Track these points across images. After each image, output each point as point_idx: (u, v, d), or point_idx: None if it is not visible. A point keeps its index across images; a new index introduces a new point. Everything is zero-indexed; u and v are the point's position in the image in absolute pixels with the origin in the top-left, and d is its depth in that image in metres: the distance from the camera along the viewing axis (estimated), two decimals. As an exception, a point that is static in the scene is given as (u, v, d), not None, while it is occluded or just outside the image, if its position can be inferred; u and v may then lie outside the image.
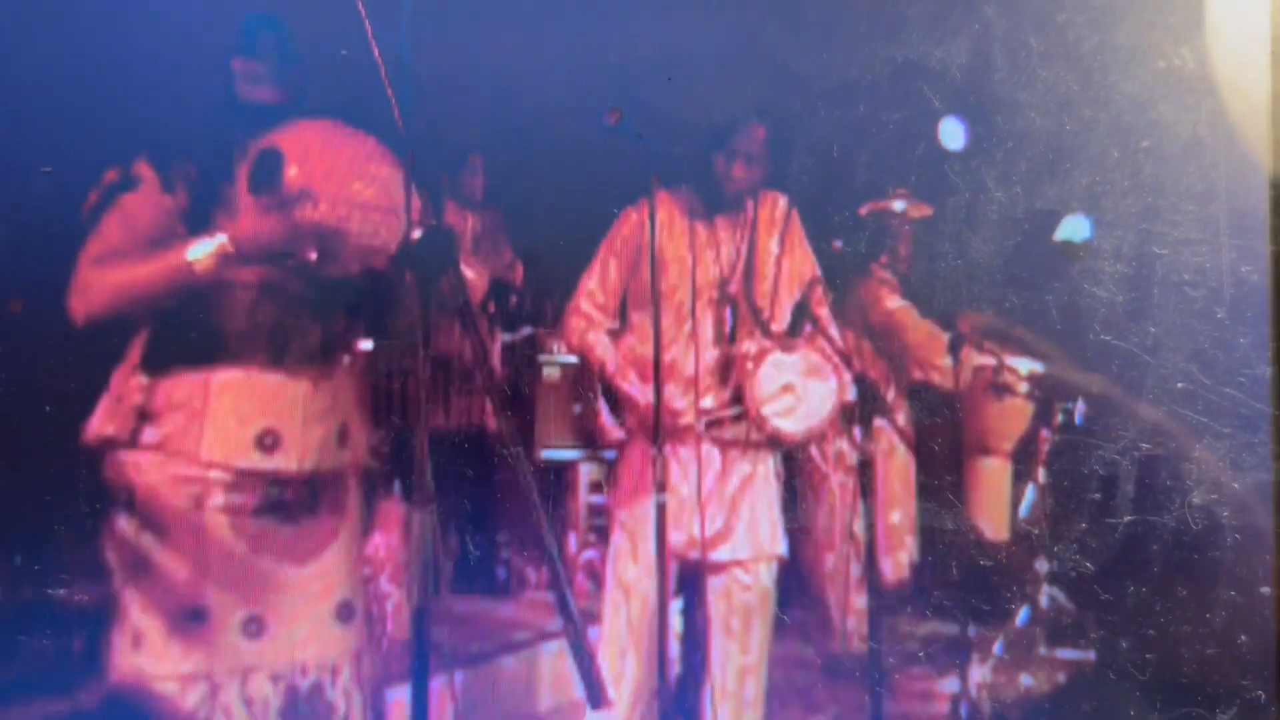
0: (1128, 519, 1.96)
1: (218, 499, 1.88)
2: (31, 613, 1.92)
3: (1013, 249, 2.00)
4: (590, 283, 2.16)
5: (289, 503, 1.92)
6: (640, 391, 2.15)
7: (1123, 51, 1.99)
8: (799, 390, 2.14)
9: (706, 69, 1.99)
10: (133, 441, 1.88)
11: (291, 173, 1.88)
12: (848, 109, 1.98)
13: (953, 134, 2.01)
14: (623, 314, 2.20)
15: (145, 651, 1.85)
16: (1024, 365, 2.12)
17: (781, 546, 2.17)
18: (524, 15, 1.96)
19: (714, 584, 2.19)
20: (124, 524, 1.88)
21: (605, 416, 2.18)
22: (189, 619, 1.86)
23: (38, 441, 1.90)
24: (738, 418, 2.16)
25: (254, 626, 1.89)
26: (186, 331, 1.89)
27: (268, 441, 1.91)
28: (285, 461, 1.91)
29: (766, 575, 2.18)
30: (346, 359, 1.98)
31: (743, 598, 2.17)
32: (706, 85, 1.99)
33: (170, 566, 1.88)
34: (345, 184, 1.89)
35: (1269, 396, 1.94)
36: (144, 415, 1.88)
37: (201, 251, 1.85)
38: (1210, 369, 1.95)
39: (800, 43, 1.97)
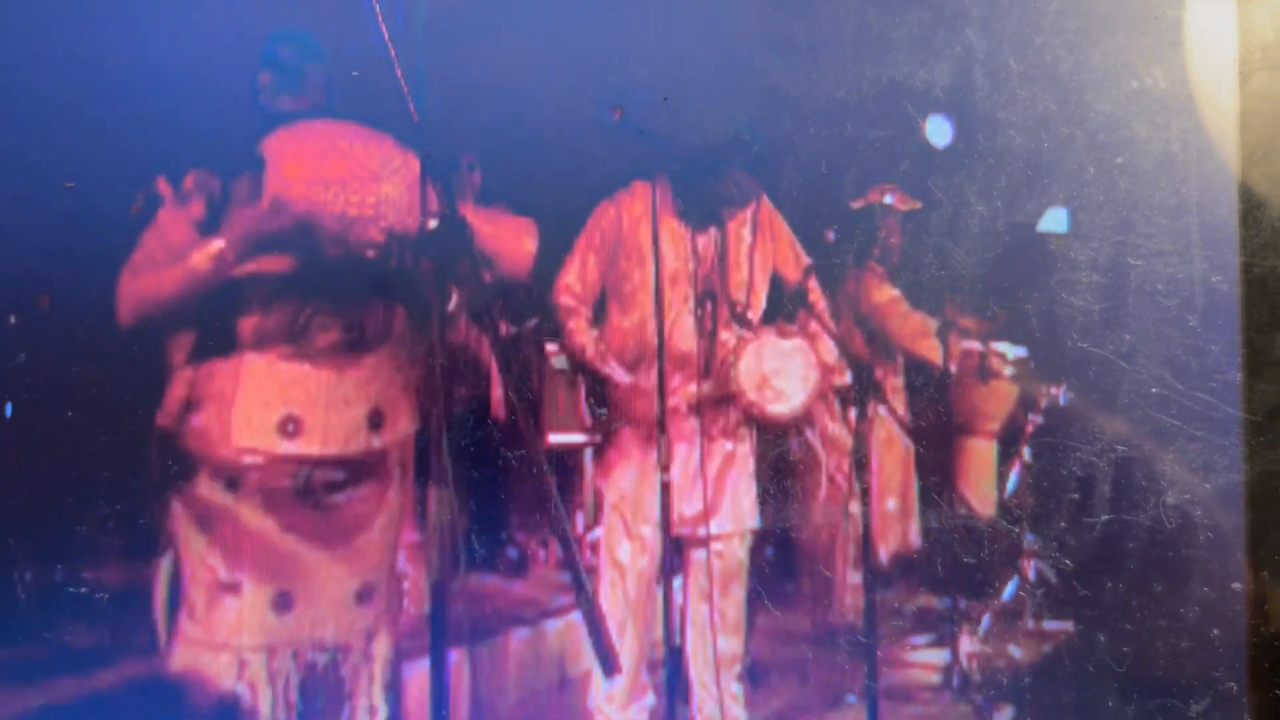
0: (1105, 518, 2.05)
1: (252, 480, 2.03)
2: (73, 582, 2.02)
3: (993, 260, 2.08)
4: (568, 277, 2.24)
5: (318, 487, 2.05)
6: (620, 374, 2.24)
7: (1098, 72, 2.08)
8: (780, 376, 2.23)
9: (701, 89, 2.08)
10: (180, 429, 2.03)
11: (271, 177, 2.02)
12: (836, 127, 2.07)
13: (940, 130, 2.09)
14: (602, 307, 2.28)
15: (193, 621, 2.02)
16: (1009, 350, 2.19)
17: (756, 520, 2.25)
18: (527, 37, 2.05)
19: (698, 557, 2.27)
20: (175, 504, 2.04)
21: (583, 403, 2.27)
22: (225, 592, 2.02)
23: (99, 432, 2.02)
24: (721, 403, 2.25)
25: (282, 602, 2.02)
26: (217, 325, 2.05)
27: (289, 428, 2.03)
28: (307, 446, 2.04)
29: (741, 547, 2.27)
30: (375, 346, 2.08)
31: (721, 568, 2.26)
32: (701, 105, 2.08)
33: (211, 543, 2.02)
34: (320, 177, 2.02)
35: (1239, 401, 2.02)
36: (189, 405, 2.04)
37: (202, 260, 2.01)
38: (1183, 375, 2.04)
39: (790, 65, 2.06)
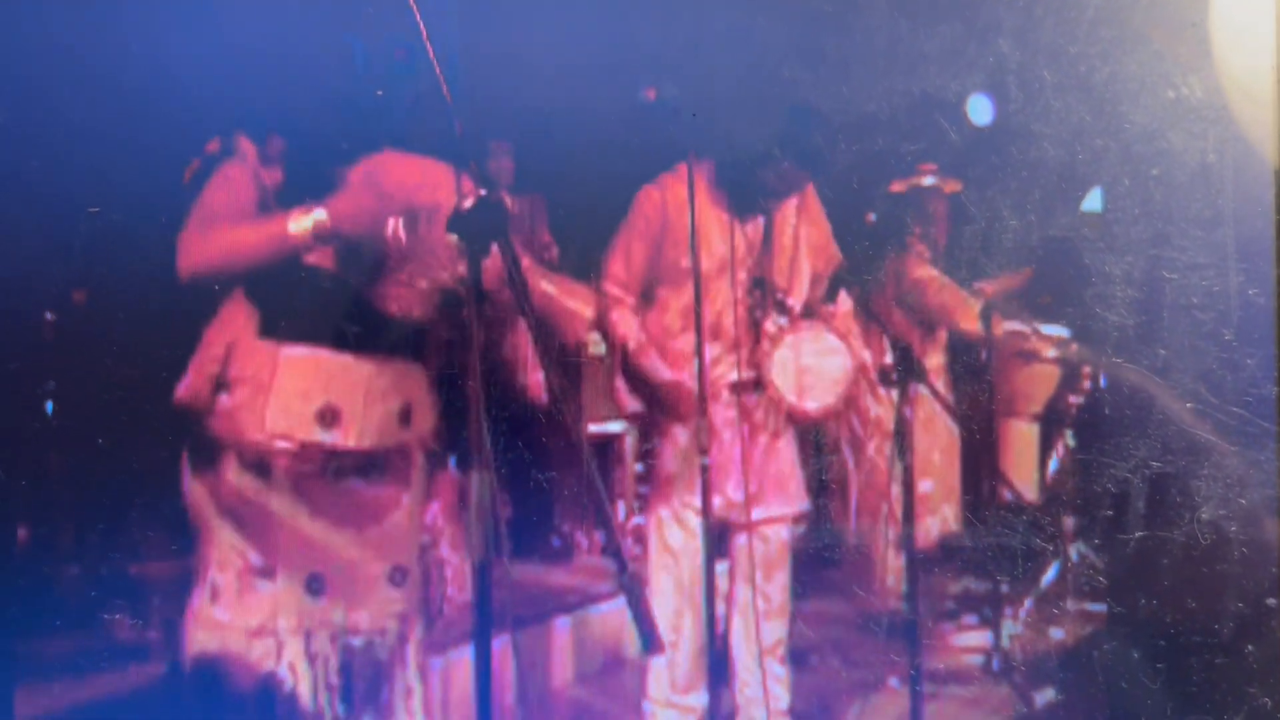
0: (1139, 535, 2.04)
1: (281, 465, 2.02)
2: (115, 572, 2.05)
3: (1027, 275, 2.07)
4: (614, 265, 2.23)
5: (347, 473, 2.05)
6: (660, 368, 2.23)
7: (1133, 82, 2.05)
8: (815, 370, 2.22)
9: (731, 105, 2.05)
10: (210, 408, 2.02)
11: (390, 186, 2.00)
12: (867, 142, 2.05)
13: (981, 109, 2.06)
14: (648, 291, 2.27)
15: (220, 606, 2.01)
16: (1052, 331, 2.18)
17: (803, 504, 2.26)
18: (558, 56, 2.02)
19: (743, 542, 2.28)
20: (201, 484, 2.04)
21: (623, 393, 2.27)
22: (258, 575, 2.02)
23: (128, 406, 2.03)
24: (759, 391, 2.24)
25: (316, 585, 2.03)
26: (263, 310, 2.02)
27: (327, 417, 2.02)
28: (343, 437, 2.03)
29: (787, 531, 2.28)
30: (412, 343, 2.07)
31: (766, 552, 2.27)
32: (731, 121, 2.05)
33: (241, 525, 2.02)
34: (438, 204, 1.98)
35: (1274, 415, 2.01)
36: (220, 384, 2.02)
37: (300, 224, 1.96)
38: (1218, 389, 2.03)
39: (820, 79, 2.04)
